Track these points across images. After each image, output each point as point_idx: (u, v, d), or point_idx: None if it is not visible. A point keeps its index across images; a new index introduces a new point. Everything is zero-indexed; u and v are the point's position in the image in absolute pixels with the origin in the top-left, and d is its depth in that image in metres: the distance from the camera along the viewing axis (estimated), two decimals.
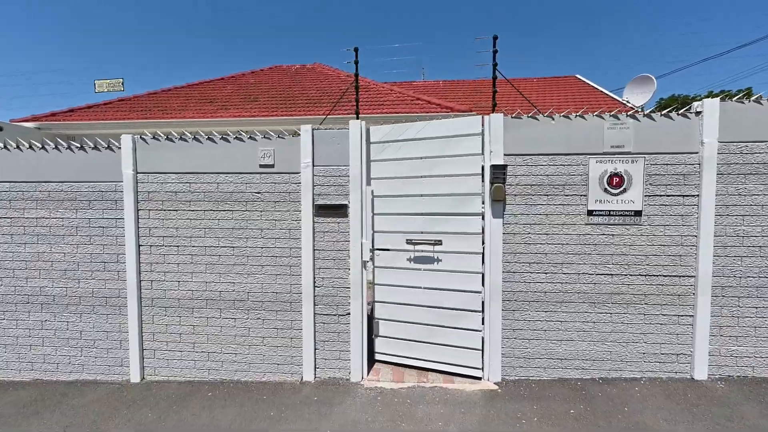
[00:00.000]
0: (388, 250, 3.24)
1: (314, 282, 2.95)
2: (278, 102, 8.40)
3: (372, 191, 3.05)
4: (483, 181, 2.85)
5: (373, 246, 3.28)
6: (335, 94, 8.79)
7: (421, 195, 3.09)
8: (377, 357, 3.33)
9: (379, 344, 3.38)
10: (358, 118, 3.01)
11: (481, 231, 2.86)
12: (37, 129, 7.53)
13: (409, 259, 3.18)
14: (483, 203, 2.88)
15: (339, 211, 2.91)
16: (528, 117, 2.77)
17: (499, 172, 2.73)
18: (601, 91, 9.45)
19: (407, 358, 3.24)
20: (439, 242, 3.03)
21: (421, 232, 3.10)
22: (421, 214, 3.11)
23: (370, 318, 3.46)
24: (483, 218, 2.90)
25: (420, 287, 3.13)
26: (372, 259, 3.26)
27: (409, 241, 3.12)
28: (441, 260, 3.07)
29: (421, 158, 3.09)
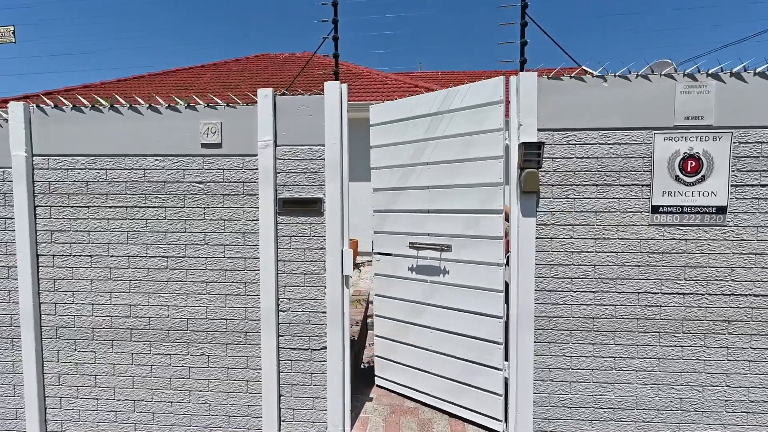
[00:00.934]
0: (389, 255, 2.52)
1: (278, 305, 2.17)
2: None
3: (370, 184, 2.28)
4: (508, 166, 2.09)
5: (372, 249, 2.59)
6: (324, 80, 7.97)
7: (427, 187, 2.35)
8: (376, 381, 2.70)
9: (378, 367, 2.71)
10: (337, 79, 2.23)
11: (503, 235, 2.10)
12: None
13: (411, 269, 2.43)
14: (506, 196, 2.12)
15: (311, 207, 2.13)
16: (571, 77, 2.02)
17: (531, 154, 1.97)
18: None
19: (410, 389, 2.54)
20: (447, 248, 2.27)
21: (428, 234, 2.35)
22: (426, 212, 2.37)
23: (358, 343, 2.69)
24: (507, 218, 2.14)
25: (425, 303, 2.40)
26: (371, 263, 2.55)
27: (412, 245, 2.37)
28: (449, 272, 2.32)
29: (426, 140, 2.35)
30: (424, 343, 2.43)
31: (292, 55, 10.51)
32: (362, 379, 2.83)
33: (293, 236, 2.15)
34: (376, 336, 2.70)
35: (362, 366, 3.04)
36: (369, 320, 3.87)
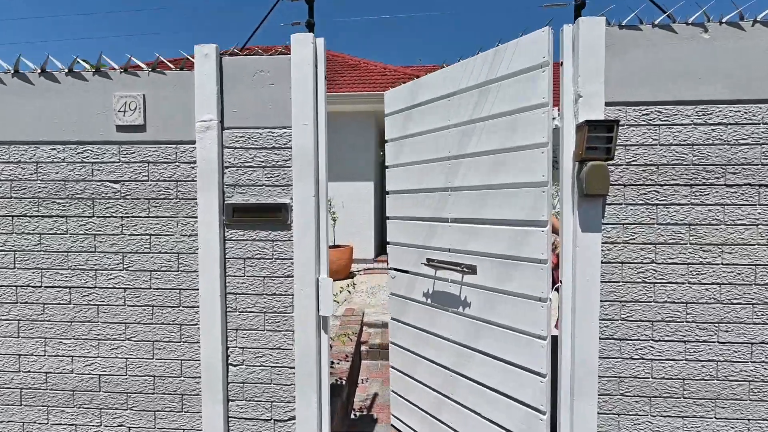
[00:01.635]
0: (405, 272, 1.94)
1: (226, 356, 1.52)
2: None
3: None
4: (560, 158, 1.44)
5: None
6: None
7: (446, 189, 1.73)
8: (391, 421, 2.21)
9: (394, 405, 2.18)
10: (312, 31, 1.57)
11: (548, 257, 1.45)
12: None
13: (426, 294, 1.82)
14: (555, 201, 1.48)
15: (273, 217, 1.48)
16: (655, 26, 1.37)
17: (598, 139, 1.32)
18: None
19: None
20: (470, 270, 1.63)
21: (449, 250, 1.73)
22: (446, 221, 1.76)
23: (348, 383, 2.02)
24: (555, 230, 1.50)
25: (445, 338, 1.80)
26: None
27: (429, 262, 1.77)
28: (471, 303, 1.69)
29: (447, 128, 1.74)
30: (445, 389, 1.81)
31: (286, 47, 9.88)
32: None
33: (248, 258, 1.50)
34: (392, 368, 2.16)
35: (353, 415, 2.39)
36: (364, 348, 3.22)
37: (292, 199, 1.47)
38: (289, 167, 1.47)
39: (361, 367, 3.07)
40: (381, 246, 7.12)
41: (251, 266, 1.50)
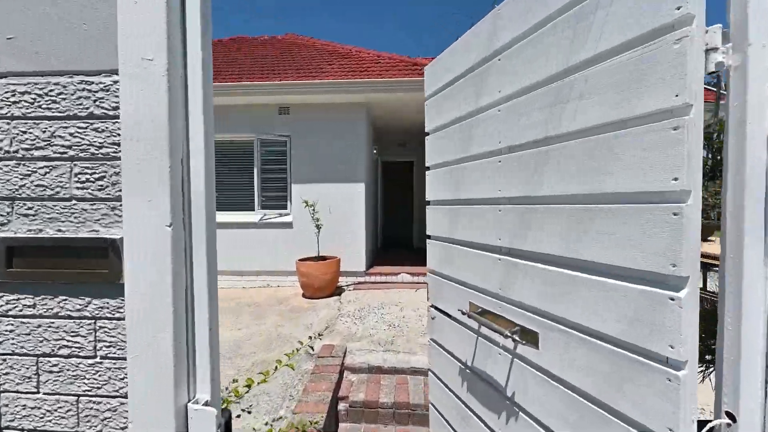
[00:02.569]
0: (447, 315, 1.20)
1: None
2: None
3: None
4: (725, 139, 0.64)
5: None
6: (305, 62, 6.72)
7: (497, 201, 0.93)
8: None
9: None
10: None
11: (686, 352, 0.64)
12: None
13: (465, 365, 1.04)
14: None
15: (92, 268, 0.68)
16: None
17: None
18: None
19: None
20: (526, 338, 0.84)
21: (497, 296, 0.94)
22: (497, 251, 0.96)
23: None
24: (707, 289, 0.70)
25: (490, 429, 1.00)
26: None
27: (472, 310, 0.98)
28: (523, 410, 0.89)
29: (495, 107, 0.94)
30: None
31: (273, 37, 9.11)
32: None
33: (43, 355, 0.70)
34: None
35: None
36: (342, 406, 2.41)
37: (124, 230, 0.67)
38: (117, 158, 0.67)
39: None
40: (373, 256, 6.34)
41: (52, 372, 0.70)
